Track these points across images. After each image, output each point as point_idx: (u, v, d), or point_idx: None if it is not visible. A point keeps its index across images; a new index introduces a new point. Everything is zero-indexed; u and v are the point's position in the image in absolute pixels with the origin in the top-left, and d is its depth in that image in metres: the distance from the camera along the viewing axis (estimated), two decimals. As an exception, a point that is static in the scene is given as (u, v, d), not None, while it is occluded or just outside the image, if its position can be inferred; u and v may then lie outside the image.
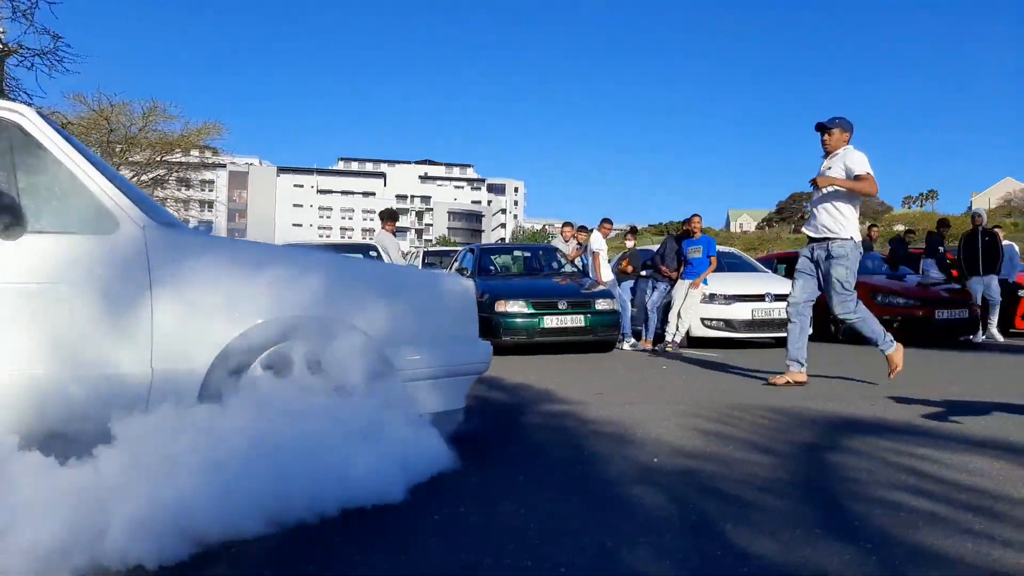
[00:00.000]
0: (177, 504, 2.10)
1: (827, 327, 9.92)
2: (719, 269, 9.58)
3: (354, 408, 2.85)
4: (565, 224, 10.68)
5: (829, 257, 5.32)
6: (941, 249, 10.62)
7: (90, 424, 2.45)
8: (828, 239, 5.32)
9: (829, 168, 5.40)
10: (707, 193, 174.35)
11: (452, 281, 3.37)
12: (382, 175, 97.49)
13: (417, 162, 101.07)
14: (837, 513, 2.36)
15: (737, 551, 2.02)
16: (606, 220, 10.10)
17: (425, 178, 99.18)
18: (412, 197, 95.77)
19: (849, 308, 5.37)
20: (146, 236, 2.82)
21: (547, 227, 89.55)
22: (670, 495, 2.59)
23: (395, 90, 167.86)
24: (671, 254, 9.64)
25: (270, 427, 2.58)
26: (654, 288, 9.69)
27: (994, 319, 9.84)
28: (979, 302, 9.77)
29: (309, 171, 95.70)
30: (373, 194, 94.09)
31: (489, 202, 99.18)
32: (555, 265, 10.39)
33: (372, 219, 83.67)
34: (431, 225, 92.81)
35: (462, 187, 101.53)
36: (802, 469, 3.01)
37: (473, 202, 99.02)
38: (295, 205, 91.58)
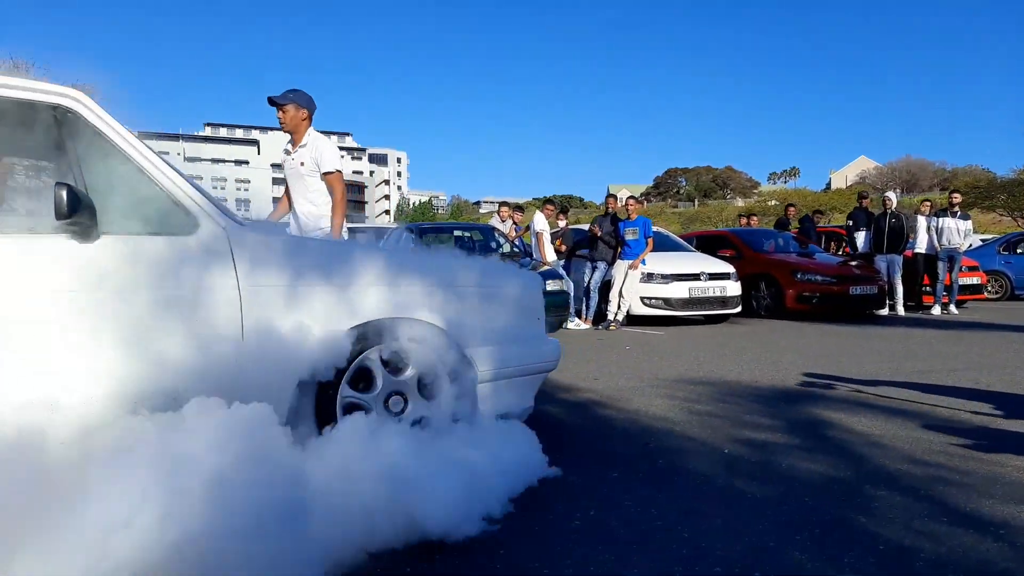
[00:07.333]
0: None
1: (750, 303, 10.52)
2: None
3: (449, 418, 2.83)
4: (502, 204, 10.65)
5: None
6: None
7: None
8: None
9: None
10: (586, 168, 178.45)
11: (522, 277, 3.32)
12: (255, 142, 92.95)
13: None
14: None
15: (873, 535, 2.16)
16: (549, 201, 10.20)
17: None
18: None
19: None
20: (229, 236, 2.61)
21: (432, 199, 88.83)
22: (768, 484, 2.71)
23: (264, 53, 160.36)
24: (607, 231, 9.85)
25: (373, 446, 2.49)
26: (594, 268, 9.90)
27: (898, 295, 10.72)
28: (885, 279, 10.63)
29: (174, 137, 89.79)
30: (246, 162, 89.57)
31: (371, 173, 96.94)
32: (494, 245, 10.36)
33: (247, 189, 79.98)
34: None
35: (342, 156, 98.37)
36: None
37: (354, 172, 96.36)
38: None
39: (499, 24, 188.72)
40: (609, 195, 10.16)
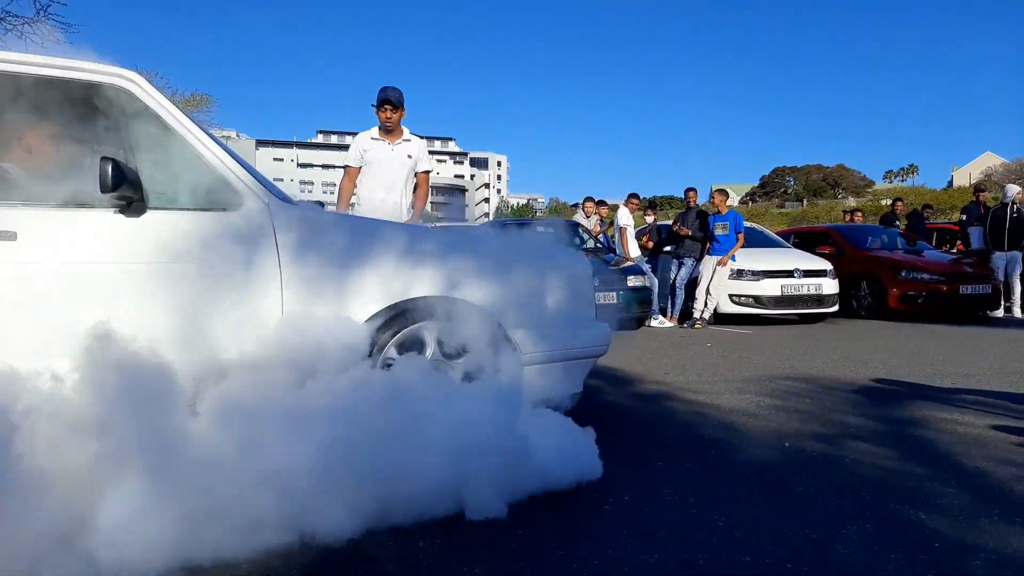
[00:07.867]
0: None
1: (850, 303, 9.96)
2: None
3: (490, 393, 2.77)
4: (587, 199, 10.51)
5: None
6: None
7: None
8: None
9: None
10: (689, 168, 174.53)
11: (571, 257, 3.24)
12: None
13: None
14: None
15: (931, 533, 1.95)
16: (633, 195, 9.97)
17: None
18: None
19: None
20: (272, 212, 2.66)
21: (531, 202, 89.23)
22: (825, 477, 2.52)
23: (373, 63, 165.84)
24: (693, 226, 9.52)
25: (418, 413, 2.47)
26: (680, 265, 9.60)
27: (1016, 295, 9.86)
28: (1001, 277, 9.81)
29: (288, 144, 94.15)
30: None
31: (472, 176, 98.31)
32: (578, 241, 10.25)
33: (355, 193, 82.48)
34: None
35: (444, 161, 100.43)
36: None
37: (456, 176, 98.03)
38: (276, 179, 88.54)
39: (600, 26, 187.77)
40: (689, 189, 9.82)
